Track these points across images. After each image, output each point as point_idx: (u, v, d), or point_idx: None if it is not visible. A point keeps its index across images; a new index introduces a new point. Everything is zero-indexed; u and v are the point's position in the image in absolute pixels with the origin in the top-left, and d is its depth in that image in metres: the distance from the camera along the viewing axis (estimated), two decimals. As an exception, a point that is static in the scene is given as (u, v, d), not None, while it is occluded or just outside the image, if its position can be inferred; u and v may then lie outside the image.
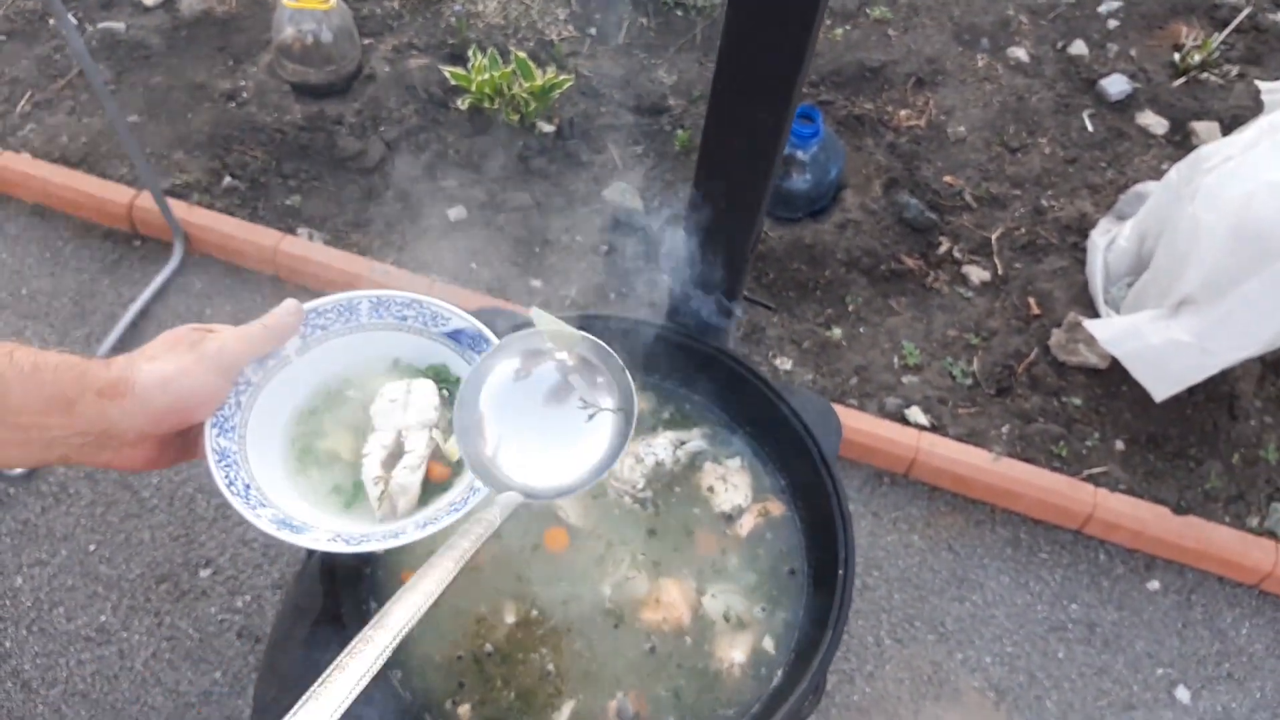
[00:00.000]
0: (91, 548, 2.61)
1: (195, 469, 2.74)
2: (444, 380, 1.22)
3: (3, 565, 2.58)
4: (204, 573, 2.58)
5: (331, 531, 1.08)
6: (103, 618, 2.51)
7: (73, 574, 2.57)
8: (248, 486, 1.07)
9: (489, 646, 1.46)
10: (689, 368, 1.72)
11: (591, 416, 1.14)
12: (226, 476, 1.05)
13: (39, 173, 3.20)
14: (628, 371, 1.14)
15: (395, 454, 1.15)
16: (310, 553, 2.13)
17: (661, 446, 1.66)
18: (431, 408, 1.17)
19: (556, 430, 1.15)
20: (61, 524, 2.65)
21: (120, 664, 2.44)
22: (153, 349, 1.00)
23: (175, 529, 2.65)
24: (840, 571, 1.48)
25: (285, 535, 1.04)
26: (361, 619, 1.45)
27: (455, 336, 1.23)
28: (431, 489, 1.15)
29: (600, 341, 1.16)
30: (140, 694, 2.40)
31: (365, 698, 1.27)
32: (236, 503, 1.04)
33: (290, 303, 1.12)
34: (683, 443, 1.67)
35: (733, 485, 1.63)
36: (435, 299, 1.22)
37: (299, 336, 1.15)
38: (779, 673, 1.51)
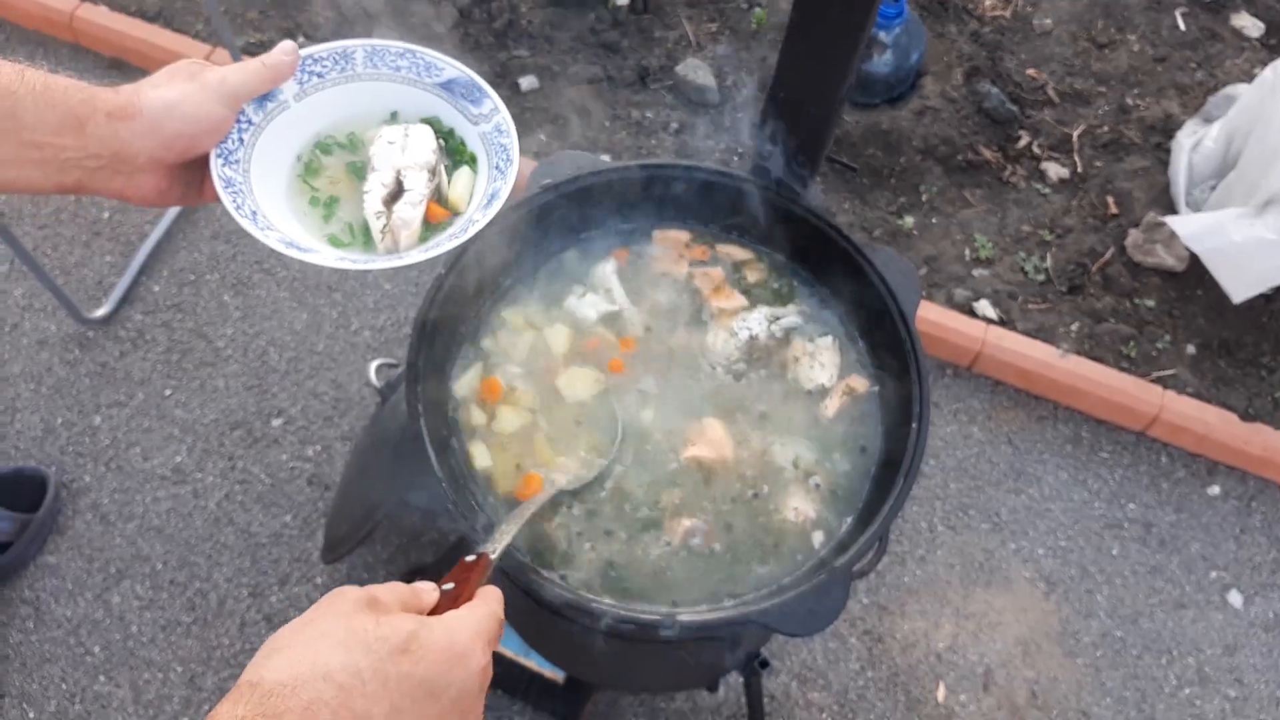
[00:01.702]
0: (168, 392, 2.69)
1: (267, 323, 2.80)
2: (437, 130, 1.26)
3: (81, 405, 2.66)
4: (275, 422, 2.65)
5: (337, 254, 1.14)
6: (178, 459, 2.59)
7: (149, 416, 2.65)
8: (255, 212, 1.12)
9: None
10: (773, 222, 1.70)
11: None
12: (234, 201, 1.10)
13: (116, 25, 3.21)
14: None
15: (395, 193, 1.19)
16: (383, 399, 2.18)
17: (756, 321, 1.65)
18: (430, 151, 1.21)
19: None
20: (139, 368, 2.72)
21: (194, 503, 2.53)
22: (156, 78, 1.04)
23: (248, 379, 2.72)
24: (914, 425, 1.49)
25: (293, 254, 1.09)
26: (449, 466, 1.48)
27: (448, 87, 1.25)
28: (430, 229, 1.20)
29: None
30: (213, 532, 2.49)
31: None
32: (246, 224, 1.09)
33: (287, 43, 1.16)
34: (778, 318, 1.66)
35: (819, 364, 1.62)
36: (428, 50, 1.24)
37: (296, 83, 1.19)
38: (847, 521, 1.53)
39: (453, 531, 2.44)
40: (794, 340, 1.65)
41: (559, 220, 1.67)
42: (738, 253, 1.74)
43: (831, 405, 1.59)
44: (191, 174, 1.11)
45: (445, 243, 1.15)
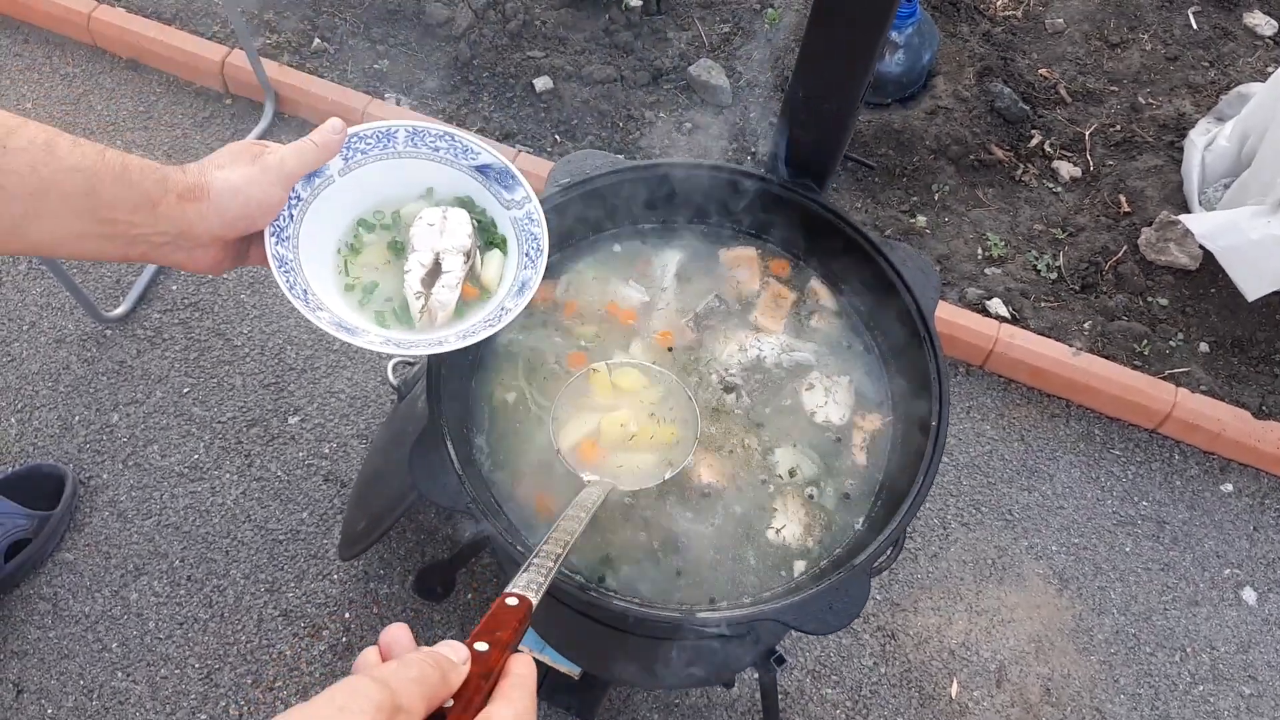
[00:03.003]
0: (185, 390, 2.71)
1: (284, 321, 2.82)
2: (471, 211, 1.33)
3: (99, 403, 2.68)
4: (292, 419, 2.67)
5: (383, 336, 1.22)
6: (195, 456, 2.61)
7: (167, 414, 2.67)
8: (306, 291, 1.18)
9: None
10: (790, 221, 1.71)
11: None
12: (287, 280, 1.16)
13: (133, 27, 3.23)
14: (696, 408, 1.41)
15: (433, 273, 1.27)
16: (400, 397, 2.19)
17: (769, 345, 1.64)
18: (465, 235, 1.29)
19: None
20: (157, 366, 2.74)
21: (212, 500, 2.55)
22: (219, 159, 1.11)
23: (266, 377, 2.73)
24: (934, 423, 1.49)
25: (342, 335, 1.16)
26: (469, 453, 1.49)
27: (483, 170, 1.33)
28: (464, 306, 1.28)
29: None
30: (231, 529, 2.51)
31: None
32: (298, 304, 1.15)
33: (335, 120, 1.23)
34: (792, 350, 1.66)
35: (834, 401, 1.61)
36: (466, 133, 1.33)
37: (341, 158, 1.26)
38: (861, 520, 1.53)
39: (470, 530, 2.46)
40: (810, 373, 1.64)
41: (580, 214, 1.69)
42: (825, 296, 1.72)
43: (861, 459, 1.58)
44: (242, 245, 1.17)
45: (481, 330, 1.23)
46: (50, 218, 0.97)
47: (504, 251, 1.32)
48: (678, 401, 1.48)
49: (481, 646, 0.80)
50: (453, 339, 1.22)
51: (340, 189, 1.27)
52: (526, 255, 1.30)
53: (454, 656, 0.77)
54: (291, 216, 1.20)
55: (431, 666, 0.74)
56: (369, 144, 1.28)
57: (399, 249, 1.31)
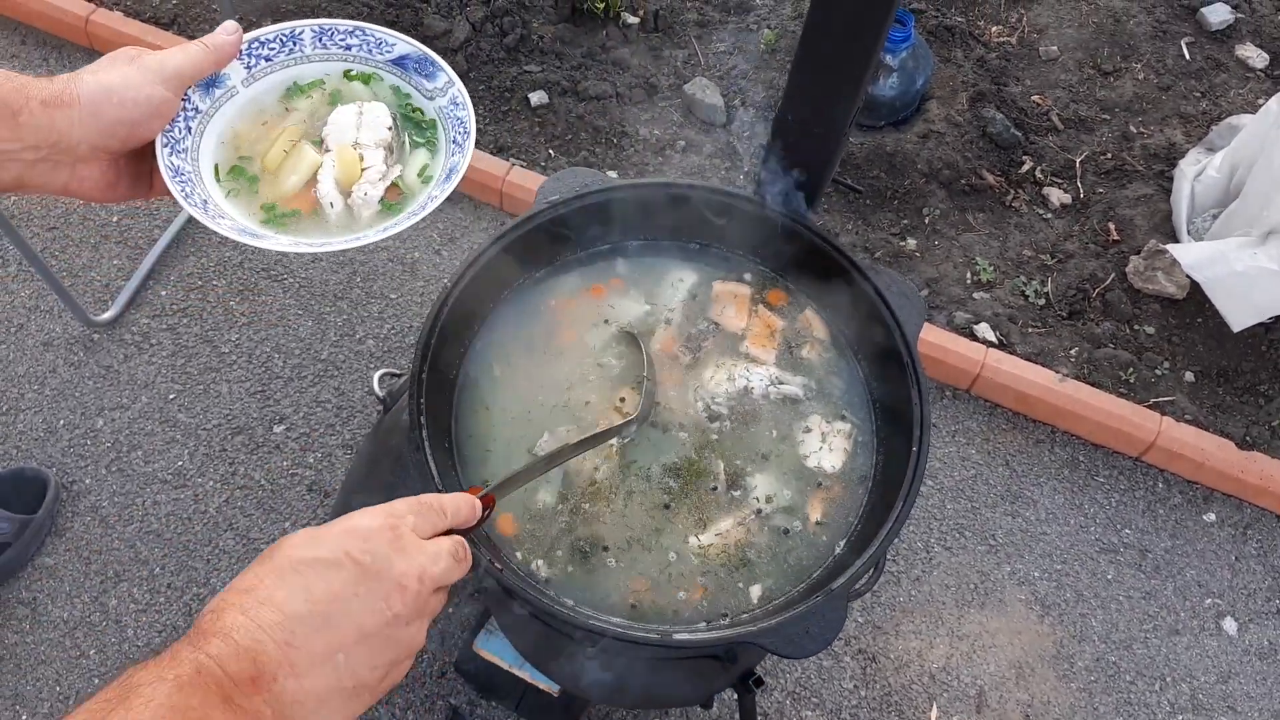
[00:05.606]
0: (171, 396, 2.70)
1: (273, 330, 2.81)
2: (398, 102, 1.24)
3: (84, 407, 2.67)
4: (278, 428, 2.66)
5: (291, 239, 1.12)
6: (179, 463, 2.60)
7: (152, 420, 2.66)
8: (205, 201, 1.09)
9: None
10: (773, 242, 1.72)
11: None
12: (183, 190, 1.07)
13: (131, 31, 3.24)
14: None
15: (348, 174, 1.19)
16: (385, 409, 2.18)
17: (759, 377, 1.64)
18: (385, 127, 1.20)
19: None
20: (143, 372, 2.73)
21: (195, 507, 2.54)
22: (95, 65, 1.02)
23: (252, 385, 2.73)
24: (914, 449, 1.50)
25: (247, 240, 1.07)
26: (449, 455, 1.50)
27: (401, 63, 1.24)
28: (387, 209, 1.19)
29: None
30: (213, 537, 2.50)
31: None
32: (196, 213, 1.06)
33: (229, 23, 1.14)
34: (780, 382, 1.66)
35: (828, 447, 1.61)
36: (378, 26, 1.23)
37: (244, 67, 1.17)
38: (841, 544, 1.54)
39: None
40: (811, 414, 1.64)
41: (563, 232, 1.69)
42: (818, 326, 1.71)
43: (814, 514, 1.58)
44: (140, 166, 1.09)
45: (404, 221, 1.14)
46: None
47: (431, 151, 1.23)
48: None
49: None
50: (371, 233, 1.13)
51: (245, 99, 1.18)
52: (454, 142, 1.21)
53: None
54: (189, 129, 1.11)
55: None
56: (273, 49, 1.18)
57: (316, 143, 1.21)
